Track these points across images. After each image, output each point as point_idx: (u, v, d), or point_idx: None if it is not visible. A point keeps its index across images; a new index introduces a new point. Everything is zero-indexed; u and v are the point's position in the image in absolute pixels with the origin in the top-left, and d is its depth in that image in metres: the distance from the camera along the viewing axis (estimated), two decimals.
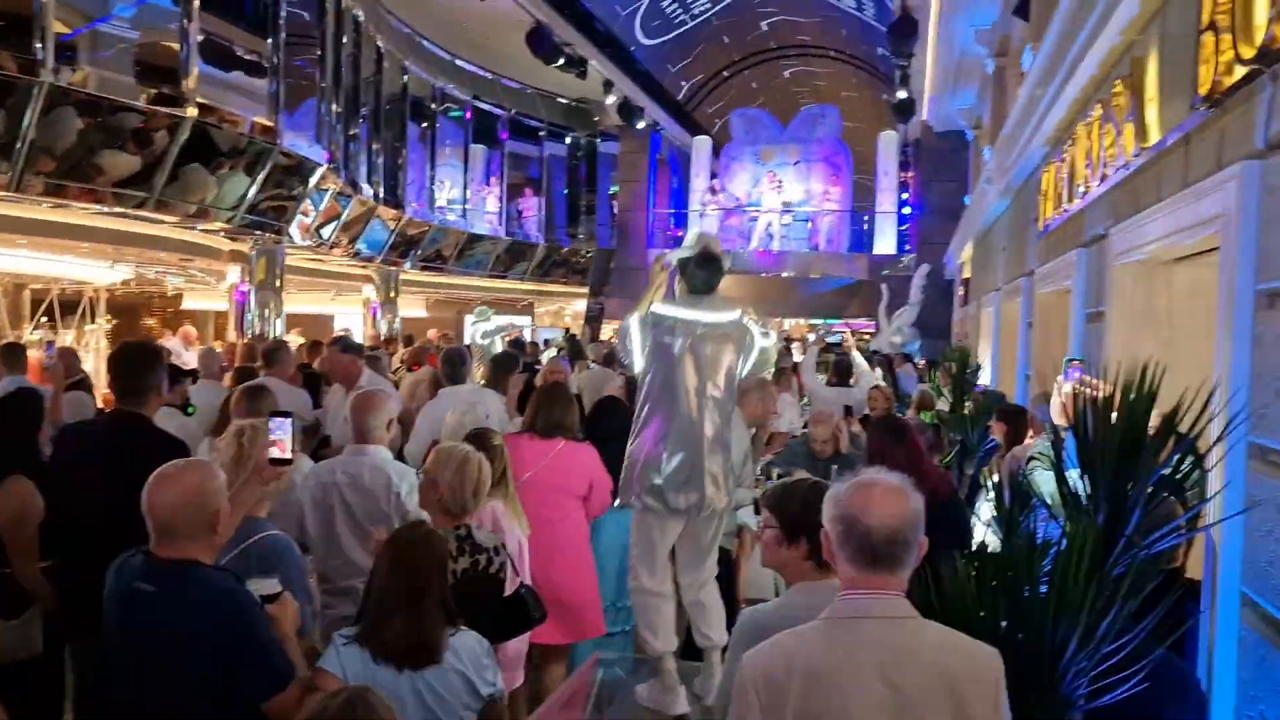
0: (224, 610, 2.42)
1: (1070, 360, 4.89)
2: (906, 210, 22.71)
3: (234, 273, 11.49)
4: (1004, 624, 2.48)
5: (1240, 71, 2.96)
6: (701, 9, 20.07)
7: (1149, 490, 2.62)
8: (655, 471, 4.10)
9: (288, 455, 2.91)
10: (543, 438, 4.39)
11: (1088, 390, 2.94)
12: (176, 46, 8.58)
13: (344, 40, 12.37)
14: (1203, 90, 3.26)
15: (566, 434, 4.44)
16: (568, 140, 21.09)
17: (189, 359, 9.46)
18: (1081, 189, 5.60)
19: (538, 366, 8.96)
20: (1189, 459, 2.80)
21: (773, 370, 6.22)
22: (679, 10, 19.68)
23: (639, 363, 4.28)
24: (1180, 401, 2.67)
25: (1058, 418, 4.42)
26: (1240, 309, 3.02)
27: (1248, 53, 2.85)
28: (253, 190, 9.94)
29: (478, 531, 3.21)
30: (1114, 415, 2.66)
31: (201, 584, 2.44)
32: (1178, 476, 2.84)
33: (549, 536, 4.12)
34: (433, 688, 2.52)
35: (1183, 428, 2.67)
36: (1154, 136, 4.12)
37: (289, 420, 2.94)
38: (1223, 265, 3.18)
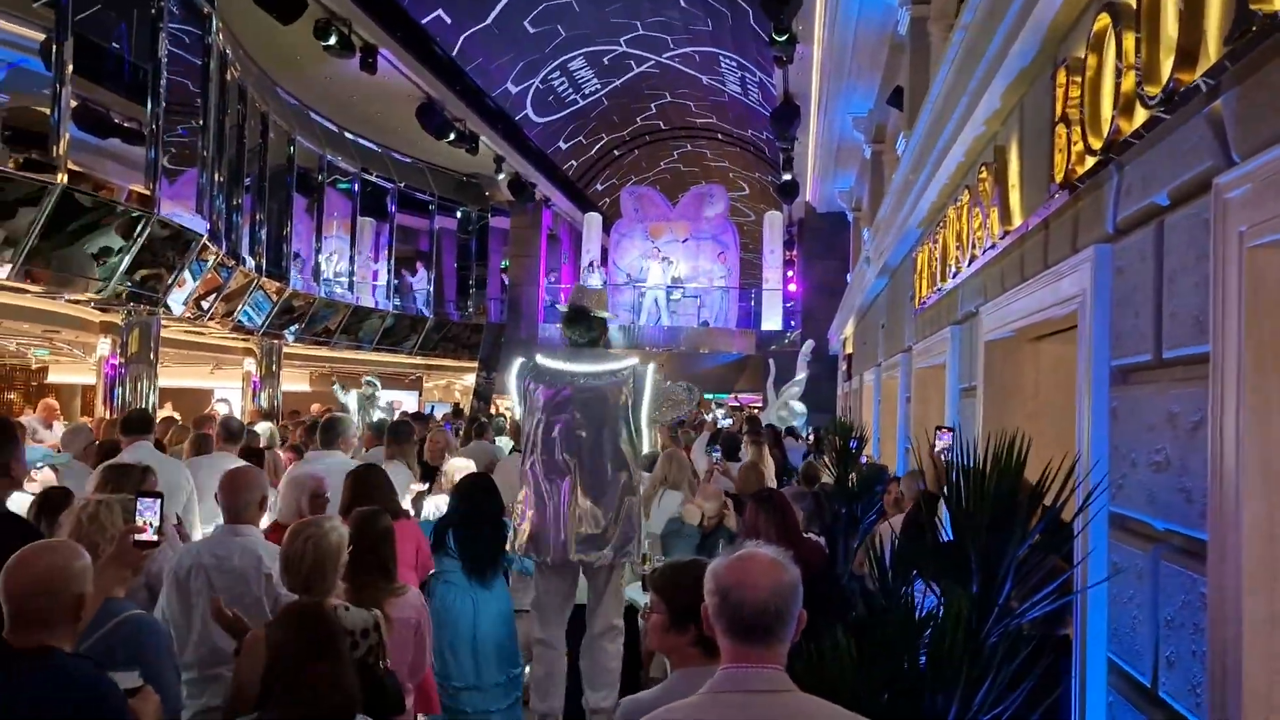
0: (82, 702, 2.26)
1: (939, 427, 4.99)
2: (792, 288, 23.40)
3: (104, 345, 10.98)
4: (885, 696, 2.50)
5: (1090, 161, 3.16)
6: (593, 89, 20.50)
7: (1019, 558, 2.70)
8: (542, 531, 4.21)
9: (153, 538, 2.81)
10: None
11: (948, 458, 3.02)
12: (47, 111, 8.29)
13: (228, 110, 12.17)
14: (1058, 178, 3.47)
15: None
16: (458, 214, 21.08)
17: (48, 436, 8.96)
18: (953, 269, 5.85)
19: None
20: (1058, 528, 2.90)
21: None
22: (570, 89, 20.06)
23: (519, 411, 4.41)
24: (1045, 472, 2.77)
25: (930, 485, 4.53)
26: (1097, 384, 3.18)
27: (1096, 144, 3.05)
28: (127, 260, 9.58)
29: (344, 613, 3.07)
30: (984, 485, 2.74)
31: (59, 673, 2.27)
32: (1049, 544, 2.93)
33: None
34: None
35: (1049, 498, 2.77)
36: (1017, 220, 4.34)
37: (157, 501, 2.85)
38: (1081, 342, 3.35)
